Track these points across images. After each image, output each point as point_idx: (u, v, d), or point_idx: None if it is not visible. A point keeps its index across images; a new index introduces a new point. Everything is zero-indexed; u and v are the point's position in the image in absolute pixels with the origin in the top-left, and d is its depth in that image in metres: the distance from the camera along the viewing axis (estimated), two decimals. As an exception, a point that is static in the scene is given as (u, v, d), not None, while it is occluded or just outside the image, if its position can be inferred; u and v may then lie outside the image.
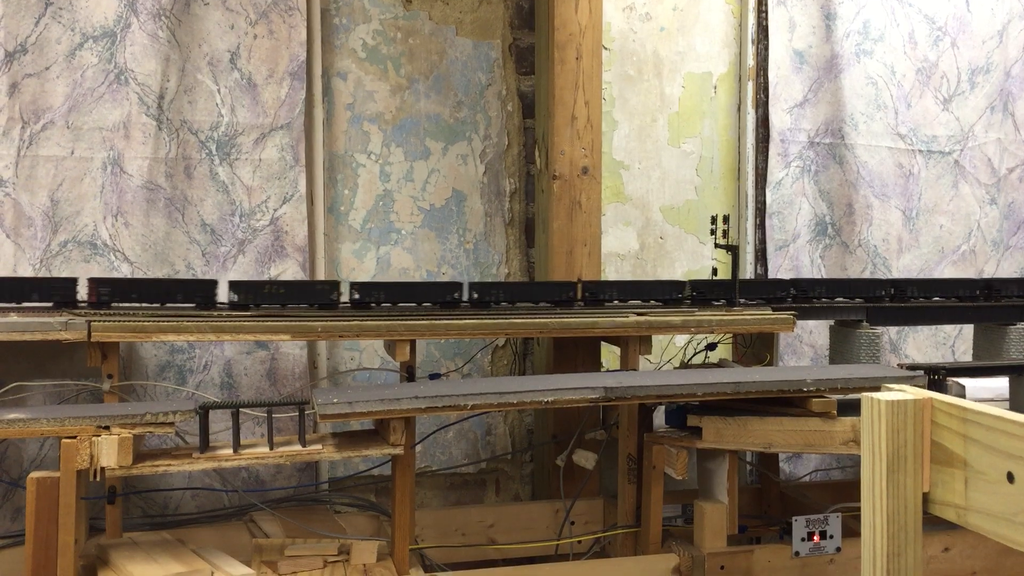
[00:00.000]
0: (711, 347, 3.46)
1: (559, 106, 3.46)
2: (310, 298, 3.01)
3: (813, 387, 2.78)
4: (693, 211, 4.00)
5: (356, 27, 3.60)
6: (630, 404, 2.95)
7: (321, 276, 3.53)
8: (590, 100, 3.48)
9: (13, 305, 2.83)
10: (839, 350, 3.52)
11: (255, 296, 2.96)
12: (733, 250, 3.31)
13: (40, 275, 3.19)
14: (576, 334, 3.07)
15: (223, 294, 3.00)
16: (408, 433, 2.65)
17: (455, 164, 3.73)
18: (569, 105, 3.46)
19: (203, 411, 2.53)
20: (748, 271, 3.98)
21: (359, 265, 3.63)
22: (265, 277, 3.40)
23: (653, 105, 3.94)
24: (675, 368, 3.52)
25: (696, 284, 3.34)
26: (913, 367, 3.10)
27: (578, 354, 3.47)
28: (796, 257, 4.02)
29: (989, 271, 4.23)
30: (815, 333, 4.02)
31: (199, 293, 2.95)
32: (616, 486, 3.18)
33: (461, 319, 2.97)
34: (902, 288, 3.50)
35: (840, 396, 2.83)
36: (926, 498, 1.46)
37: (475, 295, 3.13)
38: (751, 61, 3.96)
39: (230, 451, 2.57)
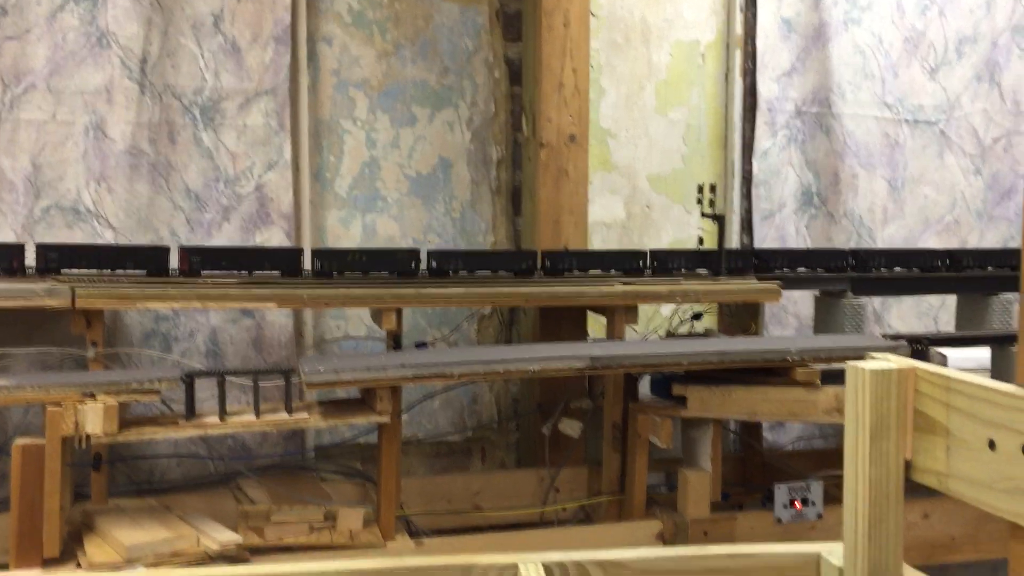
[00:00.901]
0: (697, 316, 3.47)
1: (546, 73, 3.44)
2: (391, 266, 3.10)
3: (797, 356, 2.80)
4: (680, 180, 4.00)
5: (341, -10, 3.56)
6: (616, 373, 2.96)
7: (307, 244, 3.51)
8: (577, 67, 3.45)
9: (107, 272, 2.88)
10: (823, 320, 3.54)
11: (338, 264, 3.05)
12: (719, 219, 3.32)
13: (22, 241, 3.16)
14: (563, 303, 3.08)
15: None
16: (394, 401, 2.66)
17: (441, 131, 3.71)
18: (556, 72, 3.44)
19: (189, 379, 2.53)
20: (734, 240, 3.98)
21: (345, 233, 3.61)
22: (250, 244, 3.38)
23: (640, 73, 3.92)
24: (661, 338, 3.53)
25: (780, 253, 3.43)
26: (896, 337, 3.12)
27: (564, 323, 3.48)
28: (782, 227, 4.03)
29: (973, 241, 4.26)
30: (800, 303, 4.04)
31: (285, 261, 3.03)
32: (601, 454, 3.20)
33: (448, 287, 2.97)
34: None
35: (824, 366, 2.86)
36: (908, 465, 1.48)
37: (548, 263, 3.23)
38: (739, 29, 3.94)
39: (216, 419, 2.57)
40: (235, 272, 2.97)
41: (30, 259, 2.87)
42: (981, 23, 4.18)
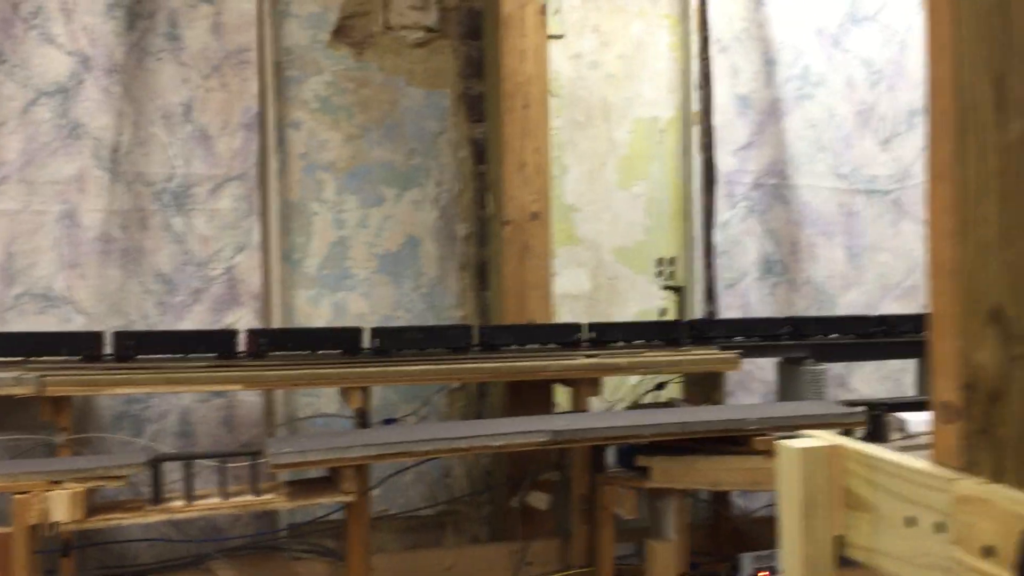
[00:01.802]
0: (660, 386, 3.53)
1: (508, 153, 3.55)
2: (446, 342, 3.24)
3: (756, 426, 2.86)
4: (643, 252, 4.09)
5: (309, 79, 3.67)
6: (578, 447, 3.00)
7: (277, 323, 3.57)
8: (538, 147, 3.57)
9: (172, 356, 3.00)
10: (786, 386, 3.61)
11: (396, 342, 3.19)
12: (680, 290, 3.40)
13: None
14: (526, 378, 3.14)
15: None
16: (361, 480, 2.70)
17: (409, 210, 3.80)
18: (518, 152, 3.55)
19: (154, 464, 2.56)
20: (698, 310, 4.06)
21: (315, 311, 3.68)
22: (220, 325, 3.43)
23: (602, 149, 4.04)
24: (626, 407, 3.58)
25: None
26: (854, 403, 3.18)
27: (533, 395, 3.53)
28: (745, 295, 4.11)
29: (932, 305, 4.34)
30: (766, 369, 4.10)
31: (346, 340, 3.17)
32: (571, 526, 3.23)
33: (412, 365, 3.02)
34: None
35: (783, 434, 2.91)
36: (841, 541, 1.53)
37: (594, 334, 3.38)
38: (696, 106, 4.08)
39: (183, 502, 2.60)
40: (300, 352, 3.12)
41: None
42: (929, 95, 4.33)
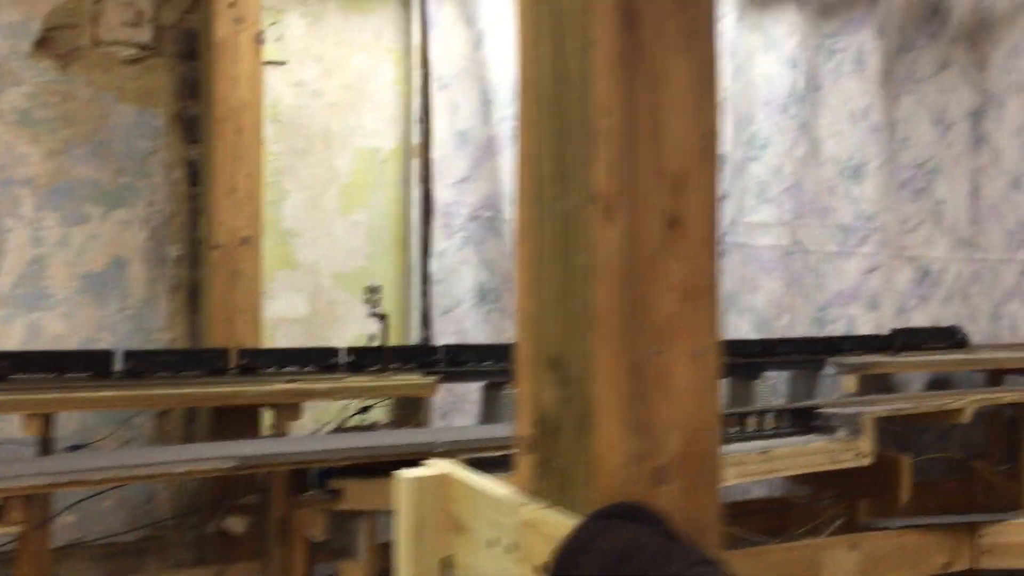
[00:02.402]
0: (364, 410, 3.65)
1: (219, 178, 3.55)
2: (201, 365, 3.28)
3: (443, 448, 3.01)
4: (363, 278, 4.18)
5: (6, 89, 3.51)
6: (266, 472, 3.05)
7: (-39, 344, 3.39)
8: (251, 172, 3.59)
9: None
10: (490, 409, 3.82)
11: (150, 364, 3.23)
12: (384, 318, 3.54)
13: None
14: (222, 403, 3.15)
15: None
16: (34, 509, 2.61)
17: (116, 230, 3.71)
18: (229, 177, 3.56)
19: None
20: (414, 336, 4.21)
21: (5, 332, 3.51)
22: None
23: (324, 177, 4.12)
24: (331, 430, 3.66)
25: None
26: (540, 426, 3.42)
27: (241, 418, 3.53)
28: (461, 322, 4.31)
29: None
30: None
31: (96, 363, 3.17)
32: (270, 549, 3.26)
33: (98, 392, 2.97)
34: None
35: (472, 456, 3.09)
36: (446, 562, 1.69)
37: (353, 358, 3.52)
38: (417, 139, 4.24)
39: None
40: (46, 375, 3.10)
41: None
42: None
